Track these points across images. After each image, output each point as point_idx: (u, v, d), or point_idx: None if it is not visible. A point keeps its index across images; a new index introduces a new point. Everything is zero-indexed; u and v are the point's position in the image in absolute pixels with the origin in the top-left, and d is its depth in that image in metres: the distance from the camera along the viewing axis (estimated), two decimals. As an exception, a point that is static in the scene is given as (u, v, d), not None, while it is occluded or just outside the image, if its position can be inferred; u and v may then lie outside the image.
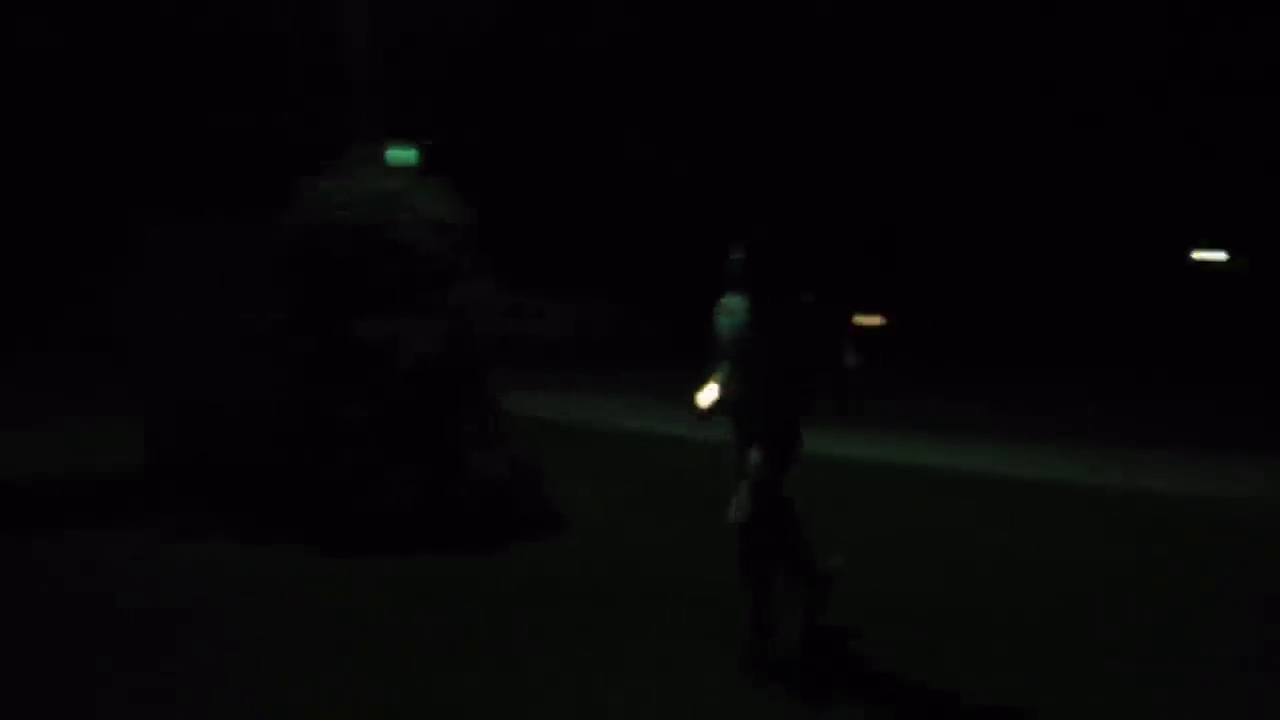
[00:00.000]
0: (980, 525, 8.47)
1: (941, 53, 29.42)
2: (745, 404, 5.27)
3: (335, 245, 7.76)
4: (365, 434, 7.42)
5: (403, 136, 11.05)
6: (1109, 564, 7.33)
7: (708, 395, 5.41)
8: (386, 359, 7.45)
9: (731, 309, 5.40)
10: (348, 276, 7.68)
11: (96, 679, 5.13)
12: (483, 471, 7.61)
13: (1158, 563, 7.38)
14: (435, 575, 6.79)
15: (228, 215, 9.25)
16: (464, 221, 8.22)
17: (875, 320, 32.92)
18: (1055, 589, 6.71)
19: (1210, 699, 5.02)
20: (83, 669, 5.27)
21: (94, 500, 9.03)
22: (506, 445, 7.96)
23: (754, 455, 5.16)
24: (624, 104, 30.02)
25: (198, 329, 8.85)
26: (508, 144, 29.05)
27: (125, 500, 8.80)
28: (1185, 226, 31.93)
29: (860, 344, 5.34)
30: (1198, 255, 33.68)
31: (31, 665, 5.34)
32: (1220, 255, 33.51)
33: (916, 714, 4.83)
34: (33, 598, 6.47)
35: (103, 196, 24.40)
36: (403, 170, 9.65)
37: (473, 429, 7.70)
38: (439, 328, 7.62)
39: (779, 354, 5.16)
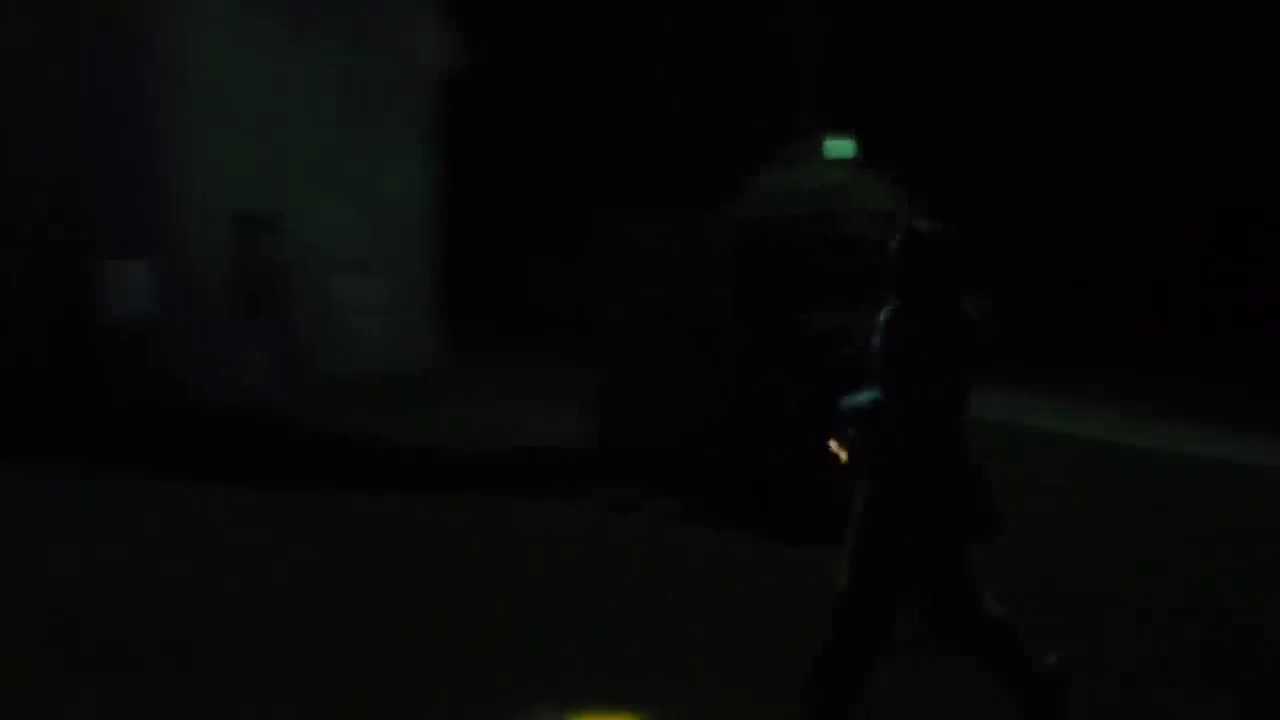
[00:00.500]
0: None
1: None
2: (888, 446, 4.03)
3: (782, 238, 7.93)
4: (808, 423, 7.51)
5: (842, 128, 11.07)
6: None
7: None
8: (834, 350, 7.52)
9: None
10: (795, 268, 7.83)
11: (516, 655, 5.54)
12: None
13: None
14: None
15: (678, 210, 9.68)
16: (907, 213, 8.12)
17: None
18: None
19: None
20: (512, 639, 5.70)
21: (543, 475, 9.75)
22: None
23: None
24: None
25: (649, 317, 9.31)
26: (939, 139, 28.38)
27: (573, 477, 9.41)
28: None
29: None
30: None
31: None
32: None
33: None
34: (485, 564, 7.10)
35: (562, 193, 26.44)
36: (843, 162, 9.66)
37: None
38: (886, 320, 7.57)
39: (945, 379, 4.00)
